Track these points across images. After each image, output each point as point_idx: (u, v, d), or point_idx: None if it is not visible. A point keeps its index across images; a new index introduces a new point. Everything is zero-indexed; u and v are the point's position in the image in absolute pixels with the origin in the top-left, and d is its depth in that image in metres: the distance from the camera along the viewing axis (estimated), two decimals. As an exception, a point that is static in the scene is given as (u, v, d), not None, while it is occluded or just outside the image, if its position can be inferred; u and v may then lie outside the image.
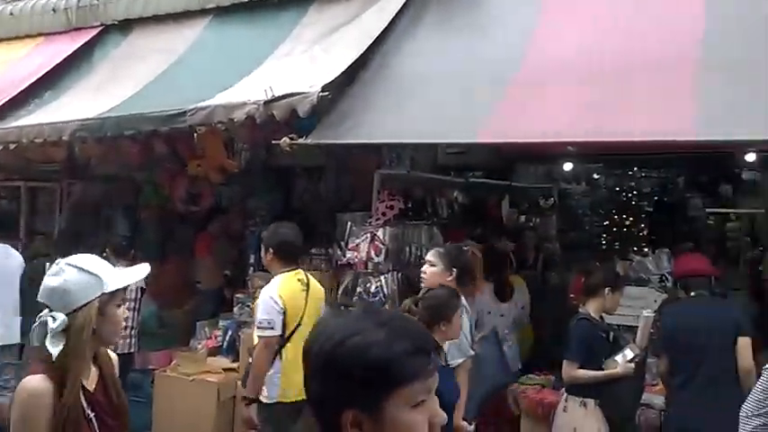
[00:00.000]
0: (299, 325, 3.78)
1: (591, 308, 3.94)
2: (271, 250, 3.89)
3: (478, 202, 6.59)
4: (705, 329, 3.66)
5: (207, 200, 6.90)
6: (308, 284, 3.92)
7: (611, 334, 3.95)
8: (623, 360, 3.79)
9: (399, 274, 4.81)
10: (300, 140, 4.42)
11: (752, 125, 3.61)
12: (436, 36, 5.20)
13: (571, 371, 3.80)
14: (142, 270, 2.21)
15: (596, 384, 3.78)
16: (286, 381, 3.75)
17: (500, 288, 5.08)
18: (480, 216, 6.58)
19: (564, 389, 3.96)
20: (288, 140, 4.38)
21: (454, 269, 3.57)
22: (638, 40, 4.45)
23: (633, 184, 8.70)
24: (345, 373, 1.09)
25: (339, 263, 5.05)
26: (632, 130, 3.78)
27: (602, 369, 3.78)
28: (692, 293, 3.99)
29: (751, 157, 7.04)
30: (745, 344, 3.55)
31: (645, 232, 7.21)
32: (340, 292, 4.96)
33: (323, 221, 5.92)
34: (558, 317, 4.73)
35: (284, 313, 3.73)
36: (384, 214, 4.76)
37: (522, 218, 7.24)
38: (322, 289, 4.10)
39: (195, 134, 5.00)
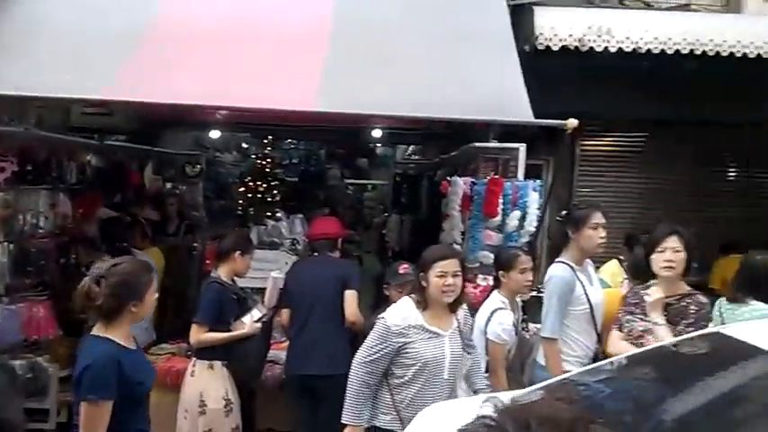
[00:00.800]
0: None
1: (222, 271, 4.00)
2: None
3: (118, 167, 6.18)
4: (315, 284, 4.01)
5: None
6: None
7: (241, 296, 4.08)
8: (251, 320, 3.95)
9: (11, 246, 4.25)
10: None
11: (371, 101, 4.01)
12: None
13: (199, 334, 3.81)
14: None
15: (224, 346, 3.85)
16: None
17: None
18: (121, 182, 6.19)
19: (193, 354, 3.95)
20: None
21: None
22: (275, 10, 4.60)
23: (279, 153, 9.15)
24: None
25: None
26: (256, 96, 3.89)
27: (231, 331, 3.88)
28: (316, 253, 4.34)
29: (378, 133, 7.94)
30: (349, 296, 3.97)
31: (279, 198, 7.64)
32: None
33: None
34: (199, 283, 4.69)
35: None
36: (-8, 177, 4.13)
37: (168, 185, 7.06)
38: None
39: None
